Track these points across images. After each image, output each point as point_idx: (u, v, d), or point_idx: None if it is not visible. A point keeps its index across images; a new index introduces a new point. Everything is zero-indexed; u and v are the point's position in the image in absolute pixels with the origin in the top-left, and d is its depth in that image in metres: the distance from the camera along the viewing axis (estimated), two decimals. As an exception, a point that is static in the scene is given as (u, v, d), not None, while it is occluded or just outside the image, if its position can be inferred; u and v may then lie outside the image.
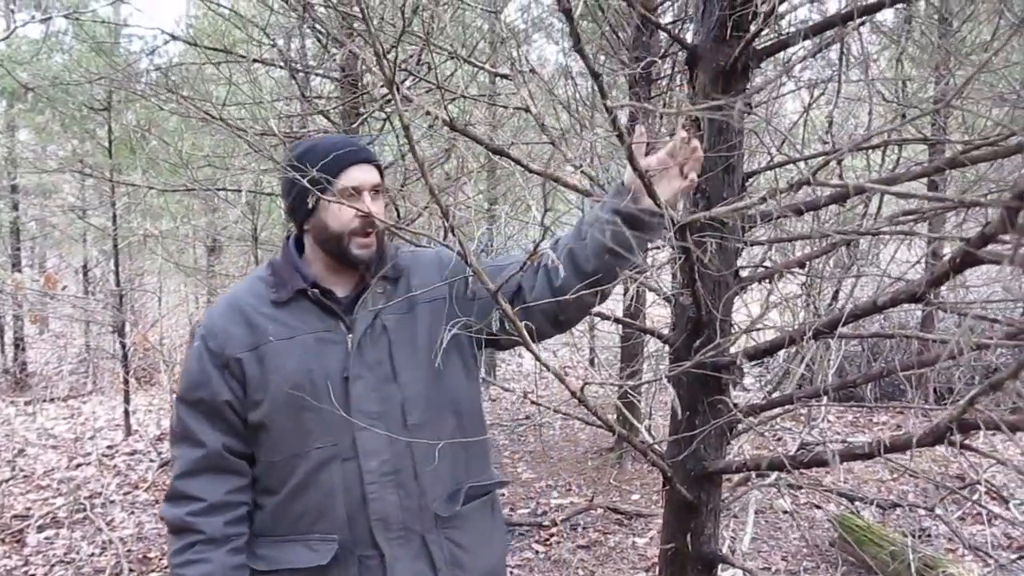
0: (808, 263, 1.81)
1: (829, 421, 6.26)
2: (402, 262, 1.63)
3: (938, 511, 1.96)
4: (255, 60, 4.14)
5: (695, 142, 1.42)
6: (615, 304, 6.95)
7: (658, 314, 6.64)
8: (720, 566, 1.93)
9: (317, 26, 3.89)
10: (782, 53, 1.86)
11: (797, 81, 2.22)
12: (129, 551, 4.48)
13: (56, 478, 5.98)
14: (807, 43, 1.77)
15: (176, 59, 5.99)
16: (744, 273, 1.89)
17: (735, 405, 1.76)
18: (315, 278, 1.56)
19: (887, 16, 2.68)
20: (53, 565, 4.38)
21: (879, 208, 1.89)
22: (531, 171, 1.66)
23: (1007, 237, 0.91)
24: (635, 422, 2.05)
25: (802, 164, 1.85)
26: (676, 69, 4.67)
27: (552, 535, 4.57)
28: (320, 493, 1.50)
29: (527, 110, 1.58)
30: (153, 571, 4.24)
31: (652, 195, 1.32)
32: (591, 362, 7.47)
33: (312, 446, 1.50)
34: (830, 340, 2.01)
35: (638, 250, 1.45)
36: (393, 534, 1.51)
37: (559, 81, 3.78)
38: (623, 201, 1.43)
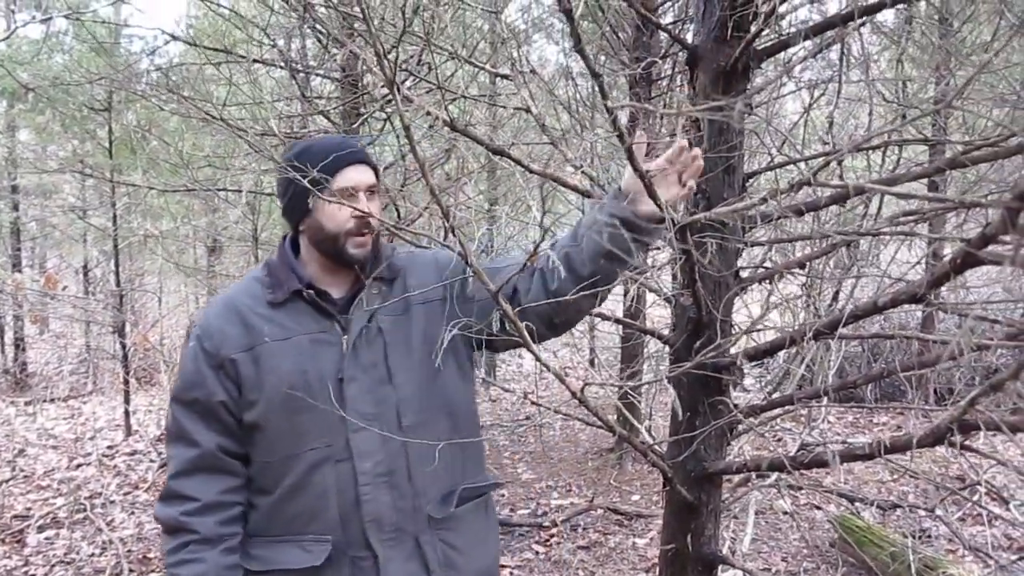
0: (808, 264, 1.81)
1: (829, 422, 6.26)
2: (398, 263, 1.63)
3: (938, 512, 1.95)
4: (255, 60, 4.14)
5: (695, 150, 1.42)
6: (615, 305, 6.95)
7: (658, 315, 6.64)
8: (720, 567, 1.92)
9: (317, 26, 3.89)
10: (782, 53, 1.86)
11: (797, 82, 2.21)
12: (129, 551, 4.48)
13: (56, 478, 5.98)
14: (807, 43, 1.77)
15: (177, 59, 5.99)
16: (744, 274, 1.89)
17: (735, 406, 1.76)
18: (311, 279, 1.56)
19: (887, 16, 2.67)
20: (53, 565, 4.38)
21: (879, 209, 1.89)
22: (531, 171, 1.66)
23: (1007, 238, 0.91)
24: (635, 423, 2.05)
25: (802, 165, 1.85)
26: (676, 69, 4.67)
27: (552, 536, 4.57)
28: (314, 494, 1.51)
29: (528, 110, 1.58)
30: (153, 571, 4.24)
31: (653, 196, 1.32)
32: (591, 363, 7.47)
33: (306, 447, 1.50)
34: (830, 341, 2.01)
35: (634, 254, 1.45)
36: (386, 535, 1.51)
37: (559, 81, 3.78)
38: (620, 205, 1.43)
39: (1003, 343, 1.13)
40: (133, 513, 5.13)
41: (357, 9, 2.82)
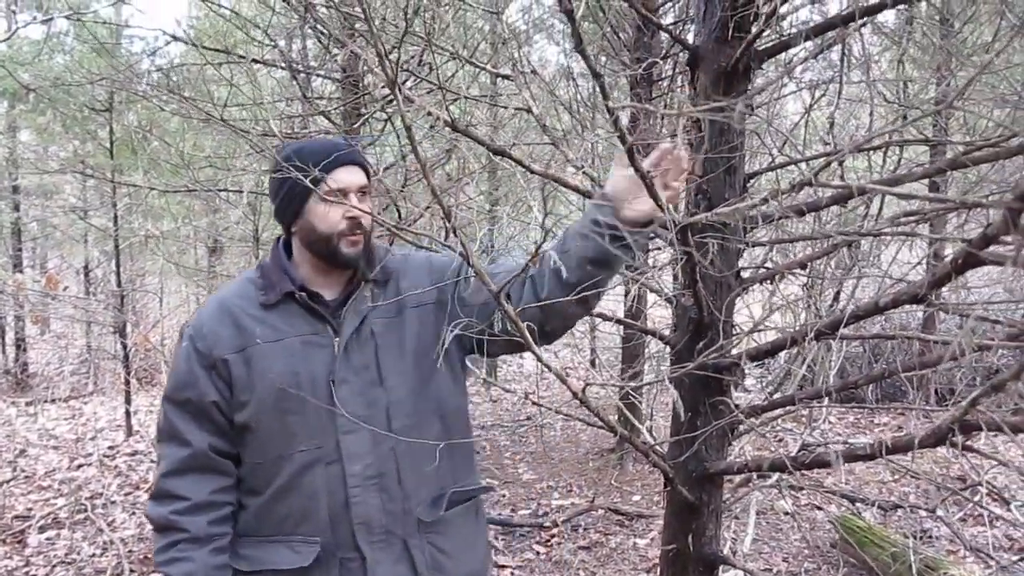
0: (809, 264, 1.81)
1: (830, 422, 6.25)
2: (391, 265, 1.63)
3: (939, 512, 1.95)
4: (256, 61, 4.14)
5: (680, 151, 1.42)
6: (617, 305, 6.95)
7: (659, 315, 6.64)
8: (721, 567, 1.92)
9: (318, 27, 3.89)
10: (783, 54, 1.86)
11: (798, 82, 2.21)
12: (130, 552, 4.48)
13: (57, 479, 5.98)
14: (808, 44, 1.77)
15: (177, 60, 5.99)
16: (746, 274, 1.89)
17: (736, 406, 1.76)
18: (303, 281, 1.57)
19: (888, 17, 2.68)
20: (54, 566, 4.38)
21: (880, 209, 1.89)
22: (532, 172, 1.65)
23: (1009, 238, 0.91)
24: (636, 423, 2.05)
25: (803, 165, 1.85)
26: (677, 70, 4.67)
27: (553, 536, 4.57)
28: (303, 496, 1.51)
29: (529, 111, 1.58)
30: (154, 572, 4.24)
31: (655, 197, 1.32)
32: (592, 363, 7.47)
33: (296, 449, 1.51)
34: (832, 341, 2.01)
35: (620, 260, 1.45)
36: (375, 538, 1.52)
37: (560, 82, 3.78)
38: (603, 211, 1.44)
39: (1004, 344, 1.13)
40: (134, 514, 5.13)
41: (358, 9, 2.82)
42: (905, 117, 2.00)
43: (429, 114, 1.37)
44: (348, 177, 1.54)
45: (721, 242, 1.71)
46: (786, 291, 1.94)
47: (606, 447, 6.17)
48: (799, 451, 1.91)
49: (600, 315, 2.28)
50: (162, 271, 10.05)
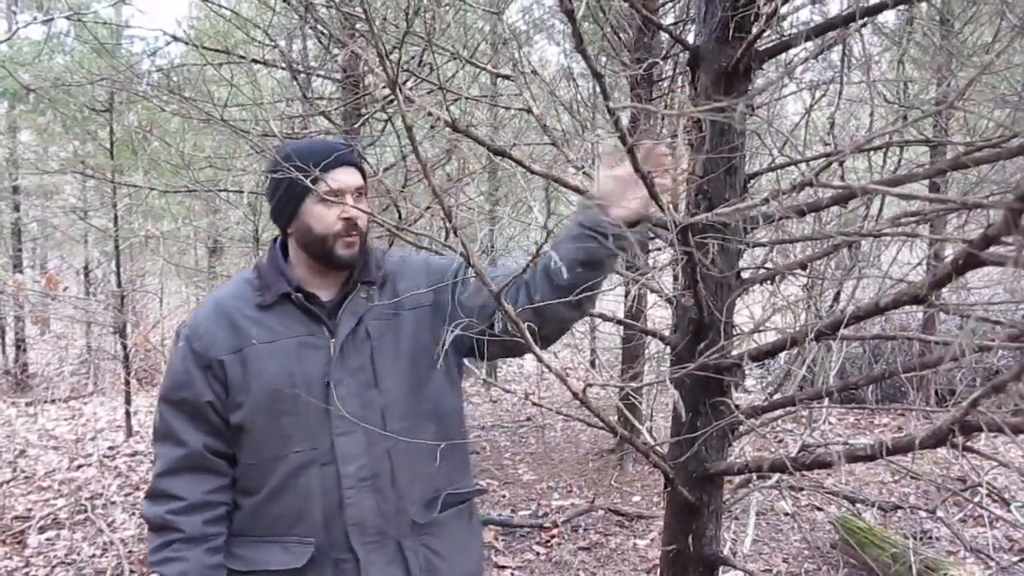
0: (810, 264, 1.81)
1: (830, 423, 6.25)
2: (389, 267, 1.63)
3: (939, 513, 1.95)
4: (256, 61, 4.14)
5: (663, 149, 1.42)
6: (617, 306, 6.94)
7: (659, 316, 6.64)
8: (721, 568, 1.92)
9: (319, 27, 3.89)
10: (784, 54, 1.86)
11: (799, 82, 2.21)
12: (130, 552, 4.48)
13: (57, 479, 5.98)
14: (809, 44, 1.77)
15: (178, 60, 5.99)
16: (746, 275, 1.89)
17: (737, 407, 1.75)
18: (299, 282, 1.57)
19: (889, 18, 2.68)
20: (54, 566, 4.38)
21: (880, 210, 1.88)
22: (533, 172, 1.65)
23: (1009, 239, 0.91)
24: (637, 424, 2.04)
25: (804, 165, 1.85)
26: (678, 70, 4.67)
27: (553, 537, 4.57)
28: (298, 496, 1.52)
29: (529, 111, 1.58)
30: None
31: (654, 196, 1.32)
32: (592, 364, 7.46)
33: (291, 450, 1.52)
34: (832, 342, 2.01)
35: (610, 261, 1.45)
36: (369, 539, 1.52)
37: (561, 82, 3.78)
38: (589, 212, 1.44)
39: (1005, 344, 1.13)
40: (134, 514, 5.12)
41: (359, 9, 2.82)
42: (905, 118, 2.00)
43: (430, 114, 1.37)
44: (344, 178, 1.54)
45: (721, 242, 1.71)
46: (786, 292, 1.94)
47: (606, 448, 6.17)
48: (799, 452, 1.91)
49: (600, 315, 2.28)
50: (162, 271, 10.05)
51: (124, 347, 7.39)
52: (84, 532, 4.87)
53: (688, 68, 1.86)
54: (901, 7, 1.90)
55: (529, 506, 5.12)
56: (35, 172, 9.61)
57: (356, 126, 4.11)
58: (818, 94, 1.99)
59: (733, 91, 1.75)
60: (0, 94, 9.22)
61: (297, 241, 1.58)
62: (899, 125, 1.82)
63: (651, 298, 4.85)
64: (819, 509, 4.70)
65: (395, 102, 1.23)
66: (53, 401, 8.86)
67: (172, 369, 1.56)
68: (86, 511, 5.17)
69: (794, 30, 1.82)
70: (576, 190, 1.79)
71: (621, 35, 4.63)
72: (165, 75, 4.32)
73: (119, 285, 7.74)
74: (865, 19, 1.67)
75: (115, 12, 7.86)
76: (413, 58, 3.36)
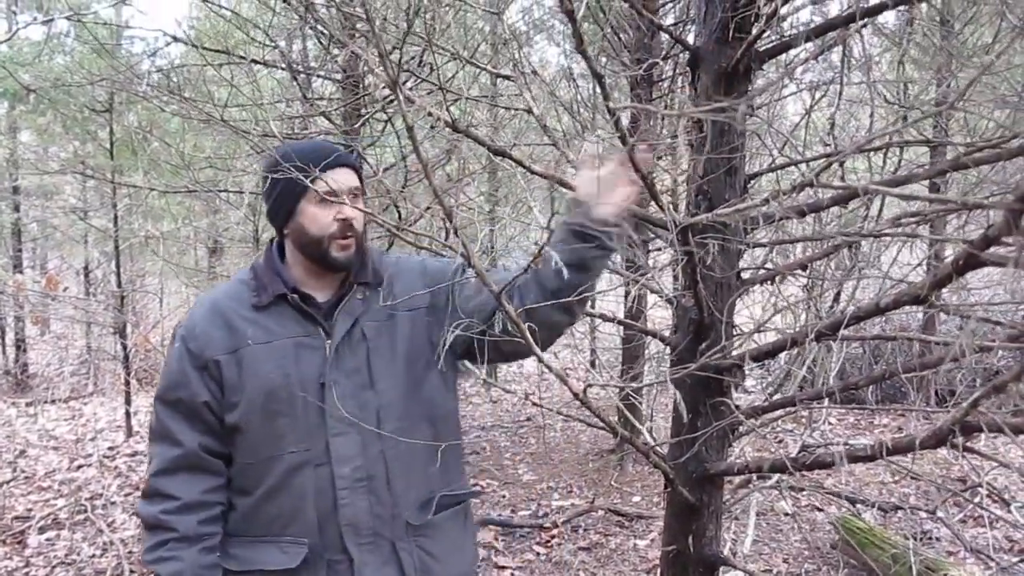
0: (810, 265, 1.81)
1: (830, 423, 6.25)
2: (385, 269, 1.63)
3: (940, 514, 1.95)
4: (256, 61, 4.14)
5: (643, 146, 1.43)
6: (617, 306, 6.95)
7: (660, 316, 6.64)
8: (721, 568, 1.92)
9: (319, 27, 3.89)
10: (784, 55, 1.86)
11: (799, 83, 2.21)
12: (130, 552, 4.48)
13: (57, 479, 5.98)
14: (809, 45, 1.77)
15: (178, 61, 5.99)
16: (746, 275, 1.89)
17: (737, 407, 1.76)
18: (295, 283, 1.57)
19: (889, 18, 2.68)
20: (54, 566, 4.38)
21: (881, 210, 1.89)
22: (533, 172, 1.66)
23: (1010, 239, 0.91)
24: (637, 424, 2.05)
25: (804, 166, 1.85)
26: (678, 71, 4.67)
27: (553, 537, 4.57)
28: (293, 497, 1.52)
29: (529, 111, 1.58)
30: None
31: (655, 197, 1.33)
32: (592, 364, 7.46)
33: (286, 450, 1.52)
34: (832, 342, 2.01)
35: (597, 261, 1.46)
36: (363, 540, 1.52)
37: (561, 83, 3.78)
38: (574, 214, 1.45)
39: (1005, 345, 1.13)
40: (134, 514, 5.12)
41: (359, 10, 2.82)
42: (906, 118, 2.00)
43: (430, 114, 1.37)
44: (340, 179, 1.54)
45: (722, 243, 1.71)
46: (786, 292, 1.94)
47: (606, 448, 6.17)
48: (799, 452, 1.91)
49: (600, 316, 2.28)
50: (162, 272, 10.05)
51: (124, 347, 7.39)
52: (84, 532, 4.87)
53: (688, 69, 1.86)
54: (901, 8, 1.90)
55: (529, 506, 5.12)
56: (35, 172, 9.61)
57: (356, 126, 4.11)
58: (818, 95, 1.99)
59: (733, 92, 1.75)
60: (0, 94, 9.22)
61: (293, 242, 1.58)
62: (899, 126, 1.82)
63: (651, 298, 4.85)
64: (819, 509, 4.70)
65: (395, 102, 1.23)
66: (53, 401, 8.85)
67: (168, 369, 1.56)
68: (86, 511, 5.17)
69: (794, 31, 1.82)
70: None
71: (621, 36, 4.63)
72: (165, 75, 4.32)
73: (119, 285, 7.74)
74: (865, 20, 1.67)
75: (115, 12, 7.86)
76: (413, 58, 3.36)
